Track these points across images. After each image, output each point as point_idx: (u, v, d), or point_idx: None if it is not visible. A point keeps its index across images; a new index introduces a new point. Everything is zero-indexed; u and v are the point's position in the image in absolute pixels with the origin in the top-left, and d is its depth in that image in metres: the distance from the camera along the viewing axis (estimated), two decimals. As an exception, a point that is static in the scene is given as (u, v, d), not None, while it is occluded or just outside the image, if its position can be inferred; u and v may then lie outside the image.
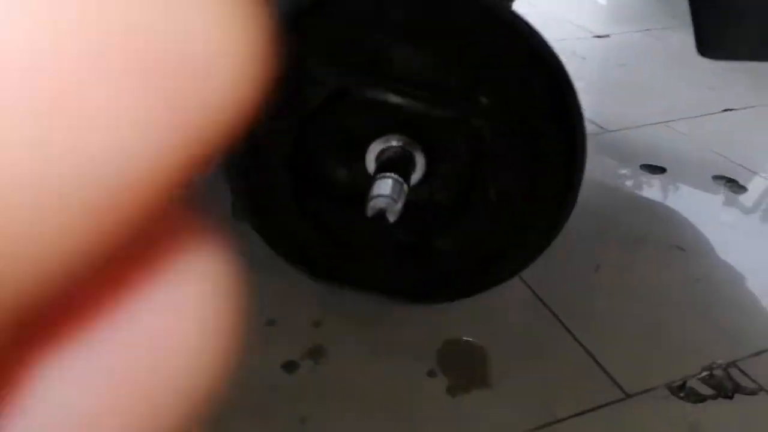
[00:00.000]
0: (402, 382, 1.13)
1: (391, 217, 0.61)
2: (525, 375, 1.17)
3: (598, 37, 3.03)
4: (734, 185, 1.83)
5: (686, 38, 1.77)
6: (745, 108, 2.30)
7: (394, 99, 0.64)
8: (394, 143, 0.67)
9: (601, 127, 2.11)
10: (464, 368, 1.19)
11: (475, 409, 1.10)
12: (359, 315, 1.23)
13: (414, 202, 0.73)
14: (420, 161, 0.68)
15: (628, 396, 1.15)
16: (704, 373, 1.19)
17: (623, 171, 1.88)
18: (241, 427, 1.01)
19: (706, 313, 1.35)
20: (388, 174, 0.62)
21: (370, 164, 0.68)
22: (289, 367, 1.14)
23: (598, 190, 1.80)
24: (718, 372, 1.20)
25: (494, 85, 0.62)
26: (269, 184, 0.72)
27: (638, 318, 1.32)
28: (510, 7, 0.64)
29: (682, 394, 1.17)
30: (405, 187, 0.62)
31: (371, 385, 1.11)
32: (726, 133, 2.02)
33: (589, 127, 2.07)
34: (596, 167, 1.92)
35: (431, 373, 1.16)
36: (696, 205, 1.75)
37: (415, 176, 0.69)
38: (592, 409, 1.12)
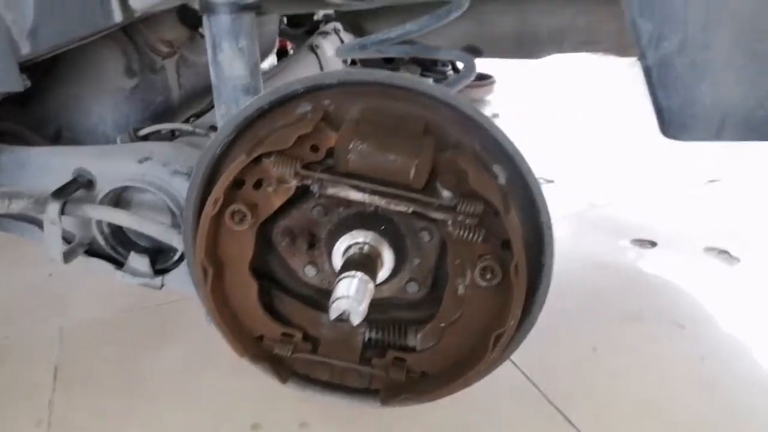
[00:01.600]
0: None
1: (355, 319, 0.59)
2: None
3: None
4: (727, 256, 1.82)
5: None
6: (729, 178, 2.33)
7: (355, 195, 0.64)
8: (360, 240, 0.66)
9: (590, 203, 2.13)
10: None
11: None
12: (346, 415, 1.17)
13: (383, 299, 0.72)
14: (387, 257, 0.67)
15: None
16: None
17: (614, 247, 1.87)
18: None
19: (712, 391, 1.29)
20: (351, 273, 0.61)
21: (337, 262, 0.67)
22: (276, 473, 1.08)
23: (590, 267, 1.78)
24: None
25: (454, 178, 0.62)
26: (236, 287, 0.70)
27: (641, 401, 1.27)
28: (469, 101, 0.65)
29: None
30: (370, 286, 0.61)
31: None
32: (712, 204, 2.02)
33: (577, 204, 2.11)
34: (587, 243, 1.92)
35: (424, 474, 1.09)
36: (690, 278, 1.72)
37: (383, 272, 0.68)
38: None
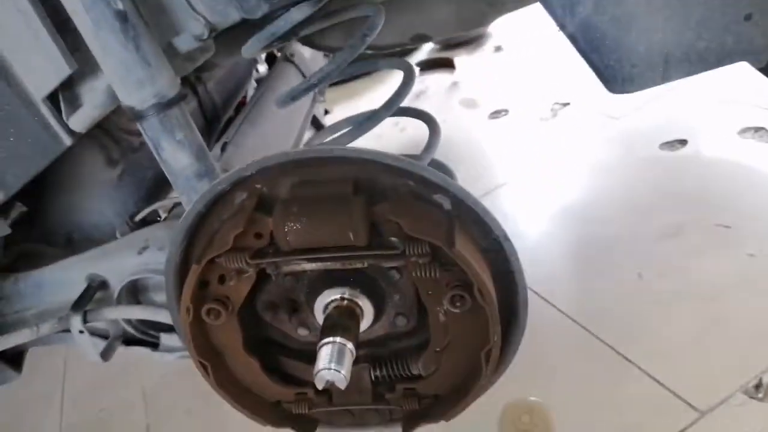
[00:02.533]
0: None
1: (341, 385, 0.62)
2: (592, 421, 1.12)
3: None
4: (764, 132, 1.71)
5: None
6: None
7: (310, 266, 0.67)
8: (335, 296, 0.69)
9: (610, 116, 2.04)
10: (528, 430, 1.15)
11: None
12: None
13: (379, 337, 0.74)
14: (366, 304, 0.69)
15: (703, 414, 1.08)
16: (776, 370, 1.10)
17: (644, 156, 1.79)
18: None
19: (765, 294, 1.25)
20: (327, 340, 0.63)
21: (320, 319, 0.70)
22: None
23: (621, 186, 1.72)
24: (796, 356, 1.11)
25: (395, 226, 0.63)
26: (240, 368, 0.75)
27: (695, 323, 1.24)
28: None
29: (760, 394, 1.08)
30: (350, 346, 0.63)
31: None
32: (739, 84, 1.88)
33: (597, 120, 2.03)
34: (613, 160, 1.84)
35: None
36: (728, 170, 1.63)
37: (367, 319, 0.70)
38: (670, 440, 1.06)
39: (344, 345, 0.63)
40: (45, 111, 0.82)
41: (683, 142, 1.78)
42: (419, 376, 0.74)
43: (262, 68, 2.15)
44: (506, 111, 2.32)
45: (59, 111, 0.83)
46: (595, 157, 1.89)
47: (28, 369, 1.81)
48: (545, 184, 1.83)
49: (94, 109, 0.82)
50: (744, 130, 1.74)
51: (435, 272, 0.64)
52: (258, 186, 0.68)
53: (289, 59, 1.75)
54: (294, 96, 0.80)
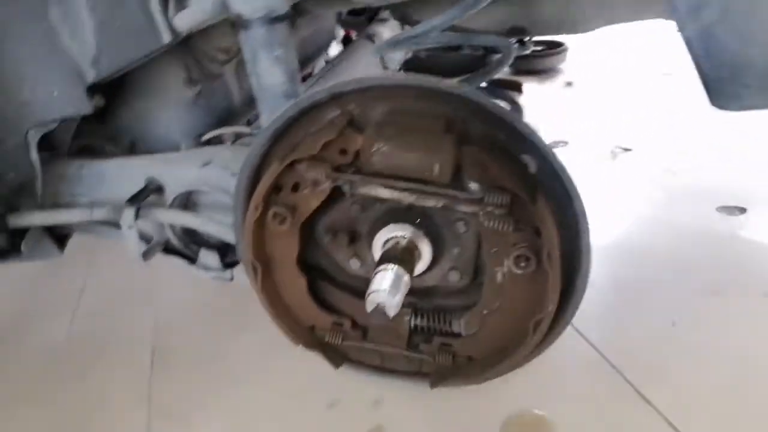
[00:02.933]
0: (464, 463, 1.09)
1: (390, 312, 0.62)
2: (598, 450, 1.10)
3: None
4: (828, 218, 1.67)
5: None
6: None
7: (385, 193, 0.67)
8: (396, 233, 0.69)
9: (670, 171, 2.01)
10: (530, 444, 1.13)
11: (543, 491, 1.04)
12: (420, 391, 1.21)
13: (427, 288, 0.74)
14: (425, 249, 0.69)
15: (716, 469, 1.04)
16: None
17: (699, 215, 1.76)
18: None
19: (801, 369, 1.21)
20: (386, 266, 0.63)
21: (377, 255, 0.70)
22: (351, 450, 1.14)
23: (672, 237, 1.70)
24: (821, 437, 1.07)
25: (480, 171, 0.63)
26: (287, 282, 0.75)
27: (724, 380, 1.20)
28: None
29: (777, 465, 1.04)
30: (405, 278, 0.63)
31: (432, 468, 1.08)
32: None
33: (656, 172, 2.01)
34: (668, 212, 1.83)
35: (495, 451, 1.11)
36: (784, 246, 1.60)
37: (422, 264, 0.70)
38: (676, 487, 1.02)
39: (401, 275, 0.63)
40: (154, 3, 0.84)
41: (743, 210, 1.75)
42: (458, 334, 0.74)
43: (333, 51, 2.18)
44: (565, 143, 2.31)
45: (166, 7, 0.85)
46: (646, 206, 1.86)
47: (52, 272, 1.86)
48: (592, 221, 1.81)
49: (200, 13, 0.84)
50: (807, 211, 1.69)
51: (508, 226, 0.64)
52: (352, 106, 0.68)
53: (371, 39, 1.77)
54: (395, 44, 0.81)
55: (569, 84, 2.87)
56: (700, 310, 1.40)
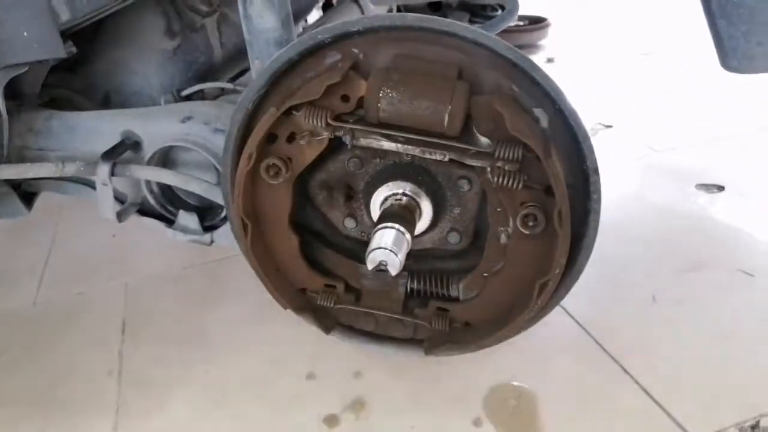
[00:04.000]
0: (446, 433, 1.08)
1: (392, 270, 0.59)
2: (578, 422, 1.09)
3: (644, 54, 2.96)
4: (805, 197, 1.69)
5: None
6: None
7: (388, 145, 0.63)
8: (397, 191, 0.65)
9: (651, 148, 2.02)
10: (512, 416, 1.12)
11: (525, 461, 1.04)
12: (400, 362, 1.19)
13: (425, 250, 0.71)
14: (426, 207, 0.66)
15: (695, 440, 1.05)
16: (778, 414, 1.08)
17: (678, 192, 1.78)
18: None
19: (782, 344, 1.23)
20: (388, 225, 0.60)
21: (375, 213, 0.66)
22: (331, 421, 1.12)
23: (652, 214, 1.71)
24: (797, 408, 1.08)
25: (491, 123, 0.59)
26: (277, 241, 0.71)
27: (703, 353, 1.22)
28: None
29: (756, 436, 1.06)
30: (407, 236, 0.60)
31: (414, 438, 1.07)
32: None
33: (637, 149, 2.01)
34: (648, 189, 1.83)
35: (477, 422, 1.10)
36: (762, 224, 1.62)
37: (422, 223, 0.66)
38: (655, 456, 1.03)
39: (403, 233, 0.60)
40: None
41: (721, 188, 1.77)
42: (456, 299, 0.71)
43: (312, 19, 2.11)
44: (547, 119, 2.29)
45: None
46: (627, 183, 1.87)
47: (15, 238, 1.77)
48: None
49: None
50: (784, 191, 1.72)
51: (517, 183, 0.61)
52: (355, 50, 0.64)
53: (356, 1, 1.71)
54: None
55: (550, 60, 2.85)
56: (680, 285, 1.41)
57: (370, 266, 0.59)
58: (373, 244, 0.59)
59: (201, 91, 1.05)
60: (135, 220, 1.05)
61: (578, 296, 1.41)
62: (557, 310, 1.36)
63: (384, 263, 0.58)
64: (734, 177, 1.82)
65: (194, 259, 1.58)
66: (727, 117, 2.18)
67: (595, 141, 2.04)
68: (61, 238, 1.76)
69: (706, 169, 1.86)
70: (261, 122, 0.63)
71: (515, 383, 1.18)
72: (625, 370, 1.21)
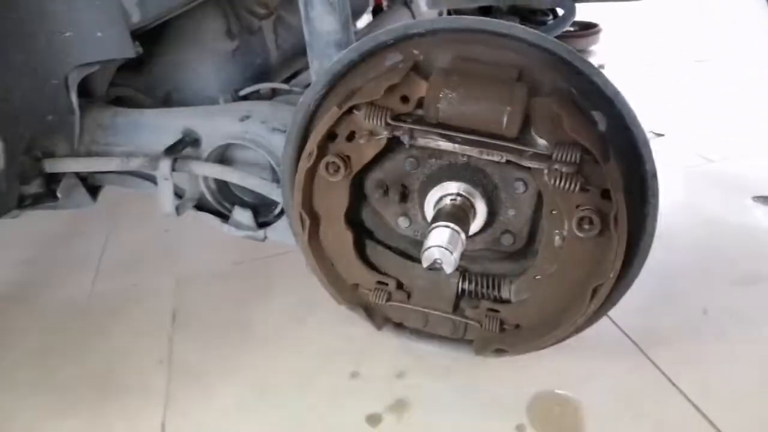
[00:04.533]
0: (488, 438, 1.07)
1: (447, 268, 0.59)
2: (625, 432, 1.07)
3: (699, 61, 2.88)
4: None
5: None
6: None
7: (446, 146, 0.63)
8: (452, 191, 0.66)
9: (704, 157, 1.97)
10: (556, 424, 1.11)
11: (569, 469, 1.02)
12: (444, 365, 1.19)
13: (478, 251, 0.71)
14: (480, 208, 0.66)
15: (746, 457, 1.02)
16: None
17: (732, 203, 1.73)
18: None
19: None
20: (443, 223, 0.60)
21: (429, 213, 0.67)
22: (373, 420, 1.12)
23: (705, 225, 1.66)
24: None
25: (550, 125, 0.60)
26: (333, 237, 0.73)
27: (757, 371, 1.18)
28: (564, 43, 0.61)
29: (811, 456, 1.02)
30: (462, 236, 0.61)
31: (456, 441, 1.07)
32: None
33: (690, 159, 1.96)
34: (702, 200, 1.79)
35: (520, 428, 1.09)
36: (821, 239, 1.56)
37: (476, 224, 0.67)
38: (704, 473, 1.00)
39: (458, 233, 0.60)
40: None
41: (778, 201, 1.71)
42: (507, 300, 0.71)
43: (360, 24, 2.13)
44: (596, 126, 2.26)
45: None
46: (680, 192, 1.83)
47: (73, 230, 1.85)
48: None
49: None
50: None
51: (574, 186, 0.61)
52: (416, 52, 0.65)
53: (407, 5, 1.73)
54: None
55: (601, 66, 2.81)
56: (733, 299, 1.37)
57: (425, 264, 0.60)
58: (429, 242, 0.60)
59: (257, 91, 1.08)
60: (189, 216, 1.09)
61: (626, 305, 1.39)
62: (604, 318, 1.35)
63: (439, 261, 0.59)
64: (794, 189, 1.76)
65: (244, 256, 1.62)
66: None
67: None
68: (117, 231, 1.83)
69: (762, 181, 1.80)
70: (323, 121, 0.65)
71: (560, 391, 1.16)
72: (672, 383, 1.18)
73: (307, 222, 0.71)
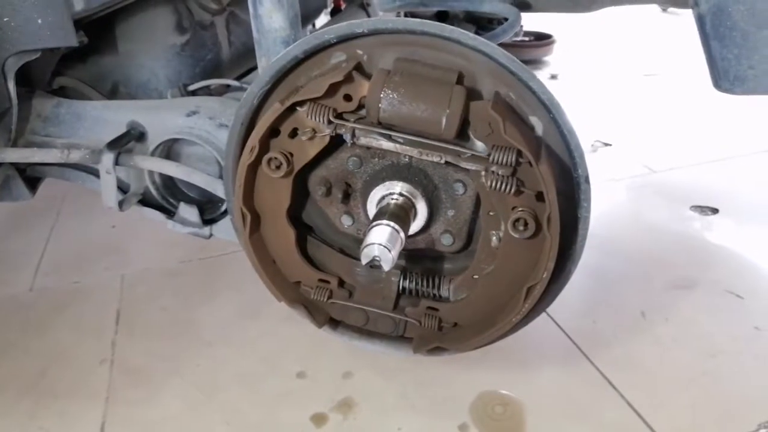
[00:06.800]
0: (432, 437, 1.08)
1: (386, 266, 0.60)
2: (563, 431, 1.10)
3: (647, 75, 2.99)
4: (798, 223, 1.71)
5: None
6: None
7: (387, 145, 0.64)
8: (393, 190, 0.67)
9: (649, 168, 2.05)
10: (498, 423, 1.13)
11: (509, 467, 1.04)
12: (391, 365, 1.20)
13: (418, 250, 0.73)
14: (421, 208, 0.67)
15: (676, 454, 1.06)
16: (762, 430, 1.09)
17: (672, 212, 1.80)
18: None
19: (762, 365, 1.24)
20: (383, 222, 0.61)
21: (372, 211, 0.68)
22: (318, 420, 1.13)
23: (645, 232, 1.72)
24: (779, 429, 1.10)
25: (488, 128, 0.61)
26: (275, 234, 0.73)
27: (688, 371, 1.23)
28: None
29: (736, 454, 1.07)
30: (401, 235, 0.62)
31: (400, 440, 1.08)
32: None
33: (634, 168, 2.04)
34: (644, 208, 1.86)
35: (463, 427, 1.11)
36: (754, 248, 1.64)
37: (417, 223, 0.68)
38: (636, 469, 1.04)
39: (398, 231, 0.61)
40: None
41: (715, 211, 1.79)
42: (446, 299, 0.72)
43: (319, 23, 2.14)
44: (547, 134, 2.32)
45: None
46: (623, 201, 1.89)
47: (15, 224, 1.78)
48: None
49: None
50: (777, 215, 1.74)
51: (510, 187, 0.63)
52: (359, 51, 0.66)
53: (363, 7, 1.74)
54: (404, 3, 0.79)
55: (554, 77, 2.88)
56: (669, 303, 1.43)
57: (363, 261, 0.61)
58: (369, 239, 0.61)
59: (207, 87, 1.07)
60: (135, 211, 1.07)
61: (569, 308, 1.44)
62: (547, 321, 1.38)
63: (377, 258, 0.60)
64: (729, 199, 1.84)
65: (191, 254, 1.60)
66: (727, 139, 2.21)
67: (593, 158, 2.08)
68: (61, 226, 1.77)
69: (701, 190, 1.88)
70: (266, 116, 0.65)
71: (503, 391, 1.19)
72: (610, 383, 1.22)
73: (249, 218, 0.71)
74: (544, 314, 1.38)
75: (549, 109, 0.63)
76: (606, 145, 2.21)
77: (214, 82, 1.04)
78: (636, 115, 2.52)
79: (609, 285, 1.51)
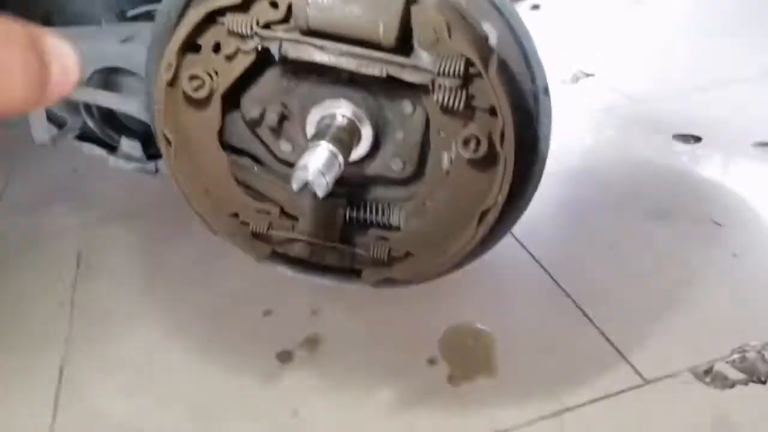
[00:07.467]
0: (399, 371, 1.07)
1: (319, 192, 0.55)
2: (534, 362, 1.09)
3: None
4: (778, 150, 1.67)
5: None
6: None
7: (321, 57, 0.58)
8: (333, 111, 0.61)
9: (631, 97, 1.98)
10: (468, 356, 1.11)
11: (476, 399, 1.03)
12: (359, 301, 1.18)
13: (367, 177, 0.67)
14: (366, 131, 0.62)
15: (647, 382, 1.05)
16: (735, 356, 1.08)
17: (654, 142, 1.75)
18: (231, 419, 0.99)
19: (739, 291, 1.22)
20: (318, 143, 0.56)
21: (311, 135, 0.63)
22: (284, 357, 1.11)
23: (625, 162, 1.68)
24: (750, 354, 1.09)
25: (433, 36, 0.55)
26: (206, 161, 0.67)
27: (662, 299, 1.21)
28: None
29: (708, 379, 1.06)
30: (340, 158, 0.56)
31: (366, 375, 1.06)
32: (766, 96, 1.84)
33: (616, 99, 1.97)
34: (624, 138, 1.80)
35: (432, 361, 1.09)
36: (736, 175, 1.60)
37: (362, 148, 0.63)
38: (606, 397, 1.03)
39: (335, 155, 0.56)
40: None
41: (698, 139, 1.74)
42: (397, 227, 0.68)
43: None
44: (529, 65, 2.24)
45: None
46: (603, 130, 1.84)
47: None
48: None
49: None
50: (760, 144, 1.70)
51: (459, 102, 0.56)
52: None
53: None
54: None
55: (536, 7, 2.76)
56: (645, 232, 1.40)
57: (294, 186, 0.56)
58: (301, 162, 0.55)
59: (149, 12, 0.99)
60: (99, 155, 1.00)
61: (541, 238, 1.41)
62: (521, 254, 1.36)
63: (310, 184, 0.55)
64: (714, 128, 1.79)
65: (155, 196, 1.54)
66: (714, 68, 2.14)
67: (575, 89, 2.00)
68: (20, 170, 1.71)
69: (685, 119, 1.82)
70: (181, 26, 0.58)
71: (474, 324, 1.17)
72: (583, 313, 1.20)
73: (173, 142, 0.65)
74: (519, 247, 1.37)
75: (502, 14, 0.57)
76: (588, 75, 2.14)
77: (154, 7, 0.96)
78: (622, 44, 2.43)
79: (585, 216, 1.48)
